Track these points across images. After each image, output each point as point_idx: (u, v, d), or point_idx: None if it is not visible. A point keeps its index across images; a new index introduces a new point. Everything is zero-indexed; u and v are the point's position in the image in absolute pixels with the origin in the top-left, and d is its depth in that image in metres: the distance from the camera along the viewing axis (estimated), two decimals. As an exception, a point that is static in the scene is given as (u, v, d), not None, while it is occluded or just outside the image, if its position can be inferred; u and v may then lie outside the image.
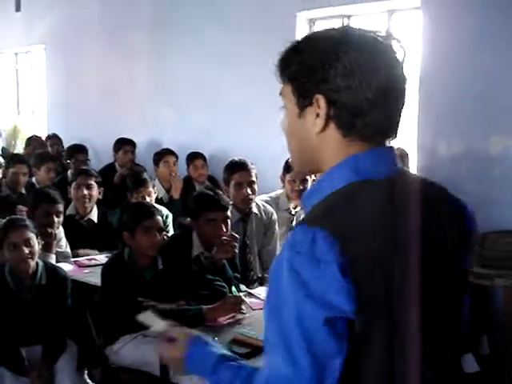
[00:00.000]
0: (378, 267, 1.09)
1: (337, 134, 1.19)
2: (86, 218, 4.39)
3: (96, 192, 4.45)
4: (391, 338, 1.11)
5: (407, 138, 4.75)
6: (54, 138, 7.34)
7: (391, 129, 1.22)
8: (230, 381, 1.29)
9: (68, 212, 4.31)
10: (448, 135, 4.32)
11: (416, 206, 1.17)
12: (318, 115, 1.19)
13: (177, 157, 5.71)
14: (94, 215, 4.42)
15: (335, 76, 1.16)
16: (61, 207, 3.91)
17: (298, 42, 1.24)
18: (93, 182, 4.44)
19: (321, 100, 1.17)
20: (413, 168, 4.52)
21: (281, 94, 1.28)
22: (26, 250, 3.05)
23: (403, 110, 1.23)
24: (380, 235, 1.11)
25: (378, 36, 1.21)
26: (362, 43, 1.19)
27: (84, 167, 5.72)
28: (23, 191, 5.38)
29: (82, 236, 4.28)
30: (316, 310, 1.06)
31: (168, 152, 5.72)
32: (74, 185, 4.43)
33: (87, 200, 4.38)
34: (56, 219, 3.85)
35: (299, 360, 1.07)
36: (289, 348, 1.08)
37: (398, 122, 1.23)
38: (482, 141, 4.18)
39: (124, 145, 6.31)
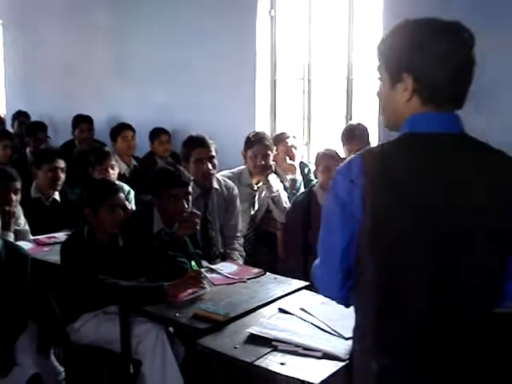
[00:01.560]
0: (392, 192, 1.51)
1: (418, 102, 1.59)
2: (50, 199, 4.28)
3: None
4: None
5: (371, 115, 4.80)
6: (21, 116, 7.16)
7: (458, 101, 1.60)
8: None
9: (33, 195, 4.21)
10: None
11: (439, 160, 1.53)
12: (405, 89, 1.59)
13: (134, 131, 5.65)
14: (57, 195, 4.34)
15: (419, 60, 1.55)
16: (18, 185, 3.83)
17: (393, 30, 1.63)
18: (64, 165, 4.31)
19: (408, 78, 1.57)
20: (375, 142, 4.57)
21: (378, 69, 1.68)
22: None
23: (468, 87, 1.60)
24: (400, 172, 1.53)
25: (452, 27, 1.58)
26: (439, 34, 1.55)
27: (44, 146, 5.67)
28: None
29: (47, 218, 4.17)
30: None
31: (126, 126, 5.66)
32: (44, 167, 4.22)
33: (59, 183, 4.28)
34: (14, 197, 3.77)
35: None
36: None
37: (463, 96, 1.60)
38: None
39: (81, 122, 6.23)
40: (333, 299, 1.74)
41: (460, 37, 1.56)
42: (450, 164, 1.53)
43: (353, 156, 1.59)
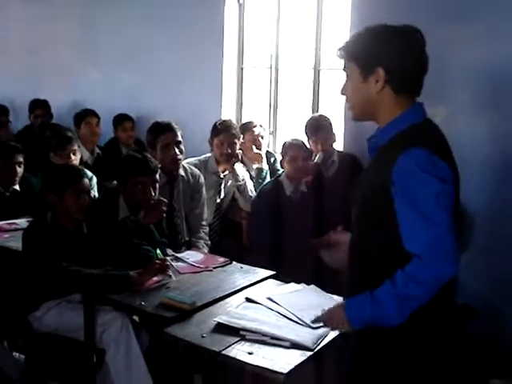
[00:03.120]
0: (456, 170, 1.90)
1: (390, 92, 1.90)
2: (10, 190, 4.15)
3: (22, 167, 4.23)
4: None
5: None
6: None
7: (420, 88, 1.95)
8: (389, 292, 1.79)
9: None
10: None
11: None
12: (377, 81, 1.89)
13: (99, 117, 5.56)
14: (16, 185, 4.22)
15: (390, 55, 1.86)
16: None
17: (359, 33, 1.94)
18: (22, 159, 4.19)
19: (380, 71, 1.87)
20: (340, 136, 4.58)
21: (344, 68, 1.97)
22: None
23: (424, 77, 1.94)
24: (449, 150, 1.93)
25: (409, 29, 1.91)
26: (401, 34, 1.89)
27: (4, 131, 5.53)
28: None
29: (8, 207, 4.05)
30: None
31: (89, 113, 5.55)
32: (2, 162, 4.07)
33: (17, 178, 4.17)
34: None
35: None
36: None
37: (422, 84, 1.95)
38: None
39: (37, 107, 6.12)
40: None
41: (415, 36, 1.90)
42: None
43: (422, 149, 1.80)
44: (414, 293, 1.77)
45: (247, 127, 4.76)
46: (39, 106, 6.15)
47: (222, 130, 4.23)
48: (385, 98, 1.91)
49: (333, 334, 2.32)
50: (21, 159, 4.17)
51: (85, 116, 5.49)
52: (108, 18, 6.23)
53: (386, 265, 1.85)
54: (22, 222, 3.75)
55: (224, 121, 4.39)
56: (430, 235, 1.74)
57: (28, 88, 6.98)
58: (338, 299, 2.62)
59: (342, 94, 2.01)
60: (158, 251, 3.16)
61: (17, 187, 4.18)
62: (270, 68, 5.43)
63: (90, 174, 4.35)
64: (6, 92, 7.11)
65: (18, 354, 3.21)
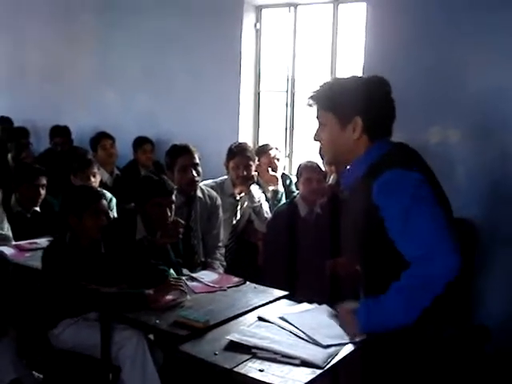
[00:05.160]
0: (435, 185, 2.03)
1: (366, 138, 2.07)
2: (31, 211, 4.24)
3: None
4: None
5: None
6: (4, 122, 7.11)
7: (391, 130, 2.12)
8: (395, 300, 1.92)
9: (14, 209, 4.18)
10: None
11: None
12: (354, 129, 2.05)
13: (113, 139, 5.67)
14: (38, 206, 4.31)
15: (367, 104, 2.02)
16: None
17: (332, 85, 2.11)
18: (45, 182, 4.29)
19: (358, 119, 2.04)
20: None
21: (318, 117, 2.14)
22: None
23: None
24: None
25: (377, 79, 2.09)
26: (375, 83, 2.07)
27: (26, 153, 5.65)
28: None
29: (29, 228, 4.14)
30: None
31: (103, 136, 5.68)
32: (26, 184, 4.18)
33: (40, 200, 4.26)
34: None
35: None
36: None
37: (391, 132, 2.13)
38: (421, 132, 4.30)
39: (57, 135, 6.25)
40: None
41: (384, 84, 2.08)
42: None
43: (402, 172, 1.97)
44: (420, 286, 1.87)
45: (263, 150, 4.83)
46: (59, 134, 6.29)
47: (237, 152, 4.30)
48: (361, 145, 2.08)
49: (344, 353, 2.36)
50: (44, 181, 4.26)
51: (99, 139, 5.62)
52: (125, 43, 6.38)
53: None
54: (43, 242, 3.83)
55: (239, 144, 4.46)
56: (426, 235, 1.86)
57: (48, 111, 7.14)
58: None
59: (316, 140, 2.18)
60: (172, 271, 3.22)
61: (37, 208, 4.26)
62: (287, 91, 5.52)
63: (109, 195, 4.45)
64: (26, 115, 7.27)
65: (36, 374, 3.27)
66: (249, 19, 5.49)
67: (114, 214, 4.32)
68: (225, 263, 4.02)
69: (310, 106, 2.16)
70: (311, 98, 2.14)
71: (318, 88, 2.13)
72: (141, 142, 5.77)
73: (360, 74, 2.20)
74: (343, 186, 2.18)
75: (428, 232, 1.87)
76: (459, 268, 1.85)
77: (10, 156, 5.88)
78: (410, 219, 1.88)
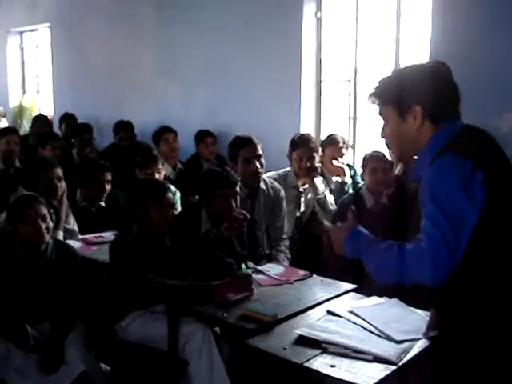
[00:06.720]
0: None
1: (430, 125, 1.99)
2: (96, 205, 4.30)
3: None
4: None
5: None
6: (68, 118, 7.27)
7: (456, 113, 2.03)
8: (384, 249, 1.97)
9: (79, 204, 4.24)
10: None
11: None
12: (415, 118, 1.98)
13: (175, 133, 5.69)
14: (103, 201, 4.36)
15: (424, 91, 1.95)
16: (59, 172, 3.92)
17: (389, 78, 2.06)
18: (110, 177, 4.33)
19: (417, 109, 1.98)
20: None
21: (380, 114, 2.08)
22: (43, 225, 3.05)
23: (459, 103, 2.03)
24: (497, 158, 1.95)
25: (437, 64, 2.03)
26: (432, 69, 2.00)
27: (89, 148, 5.76)
28: (18, 165, 5.35)
29: (95, 222, 4.20)
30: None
31: (166, 130, 5.71)
32: (92, 181, 4.23)
33: (105, 195, 4.30)
34: (58, 184, 3.84)
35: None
36: None
37: (459, 109, 2.03)
38: (493, 118, 4.13)
39: (121, 130, 6.33)
40: None
41: (442, 69, 2.01)
42: None
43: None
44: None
45: (330, 141, 4.75)
46: (123, 129, 6.36)
47: (300, 143, 4.24)
48: (425, 132, 2.00)
49: (417, 349, 2.27)
50: (109, 177, 4.31)
51: (162, 133, 5.65)
52: (186, 37, 6.40)
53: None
54: (109, 235, 3.88)
55: (302, 135, 4.40)
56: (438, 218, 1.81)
57: (111, 107, 7.26)
58: (420, 313, 2.57)
59: (382, 137, 2.12)
60: (243, 266, 3.19)
61: (102, 203, 4.32)
62: (349, 80, 5.41)
63: (173, 188, 4.46)
64: (90, 111, 7.41)
65: (104, 366, 3.30)
66: (309, 8, 5.41)
67: (178, 207, 4.33)
68: (289, 255, 3.97)
69: (373, 103, 2.11)
70: (371, 95, 2.10)
71: (377, 84, 2.09)
72: (203, 136, 5.78)
73: (423, 62, 2.12)
74: (412, 177, 2.09)
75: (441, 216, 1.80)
76: (442, 277, 1.81)
77: (74, 152, 5.99)
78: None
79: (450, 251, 1.78)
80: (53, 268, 3.13)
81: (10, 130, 5.74)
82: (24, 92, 9.59)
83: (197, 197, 3.48)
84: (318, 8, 5.45)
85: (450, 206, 1.79)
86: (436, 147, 1.95)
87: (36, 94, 9.45)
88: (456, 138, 1.95)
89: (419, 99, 1.97)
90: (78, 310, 3.20)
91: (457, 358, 1.92)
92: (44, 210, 3.09)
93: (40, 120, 7.12)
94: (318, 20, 5.47)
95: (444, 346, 1.99)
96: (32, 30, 9.20)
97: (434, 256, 1.79)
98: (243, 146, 3.87)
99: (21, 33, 9.45)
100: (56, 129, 7.24)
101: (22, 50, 9.59)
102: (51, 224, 3.13)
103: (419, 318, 2.52)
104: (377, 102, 2.09)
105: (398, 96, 2.00)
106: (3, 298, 3.04)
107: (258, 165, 3.83)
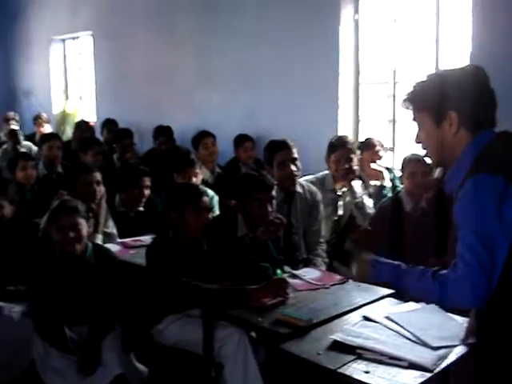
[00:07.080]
0: None
1: (466, 132, 1.94)
2: (134, 210, 4.33)
3: None
4: None
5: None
6: (110, 124, 7.38)
7: (492, 122, 1.97)
8: (418, 279, 1.96)
9: (118, 209, 4.28)
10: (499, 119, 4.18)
11: None
12: (451, 124, 1.94)
13: (214, 137, 5.72)
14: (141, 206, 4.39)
15: (459, 97, 1.91)
16: (98, 176, 3.97)
17: (423, 83, 2.00)
18: (149, 183, 4.36)
19: (453, 115, 1.93)
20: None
21: (414, 119, 2.04)
22: (71, 235, 3.09)
23: (496, 110, 1.97)
24: None
25: (471, 69, 1.98)
26: (468, 74, 1.95)
27: (130, 153, 5.83)
28: (60, 170, 5.45)
29: (133, 226, 4.23)
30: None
31: (205, 134, 5.74)
32: (131, 187, 4.26)
33: (143, 200, 4.32)
34: (97, 188, 3.89)
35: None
36: None
37: (495, 117, 1.97)
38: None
39: (161, 135, 6.39)
40: None
41: (479, 74, 1.95)
42: None
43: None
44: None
45: (366, 144, 4.70)
46: (163, 134, 6.42)
47: (338, 146, 4.21)
48: (461, 140, 1.95)
49: (454, 356, 2.22)
50: (148, 182, 4.34)
51: (201, 138, 5.68)
52: (224, 45, 6.44)
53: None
54: (147, 239, 3.90)
55: (340, 137, 4.37)
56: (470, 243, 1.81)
57: (152, 113, 7.34)
58: (458, 319, 2.52)
59: (417, 142, 2.07)
60: (279, 271, 3.18)
61: (141, 208, 4.35)
62: (388, 83, 5.35)
63: (211, 192, 4.48)
64: (131, 116, 7.50)
65: (142, 366, 3.32)
66: (347, 10, 5.38)
67: (216, 211, 4.34)
68: (327, 260, 3.93)
69: (407, 108, 2.06)
70: (405, 100, 2.06)
71: (411, 89, 2.04)
72: (241, 140, 5.80)
73: (459, 66, 2.05)
74: (447, 190, 2.03)
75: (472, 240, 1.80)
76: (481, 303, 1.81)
77: (115, 157, 6.07)
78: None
79: (486, 279, 1.76)
80: (91, 271, 3.17)
81: (53, 136, 5.87)
82: (67, 98, 9.79)
83: (233, 201, 3.49)
84: (356, 10, 5.41)
85: (485, 232, 1.77)
86: (469, 159, 1.90)
87: (79, 100, 9.63)
88: (488, 148, 1.90)
89: (455, 105, 1.93)
90: (115, 313, 3.24)
91: (498, 365, 1.88)
92: (78, 219, 3.13)
93: (82, 126, 7.25)
94: (356, 22, 5.43)
95: (484, 353, 1.95)
96: (74, 38, 9.40)
97: (472, 286, 1.78)
98: (278, 149, 3.87)
99: (63, 40, 9.66)
100: (98, 134, 7.35)
101: (64, 57, 9.79)
102: (85, 231, 3.17)
103: (457, 324, 2.47)
104: (411, 108, 2.05)
105: (433, 102, 1.96)
106: (42, 300, 3.10)
107: (293, 168, 3.82)
